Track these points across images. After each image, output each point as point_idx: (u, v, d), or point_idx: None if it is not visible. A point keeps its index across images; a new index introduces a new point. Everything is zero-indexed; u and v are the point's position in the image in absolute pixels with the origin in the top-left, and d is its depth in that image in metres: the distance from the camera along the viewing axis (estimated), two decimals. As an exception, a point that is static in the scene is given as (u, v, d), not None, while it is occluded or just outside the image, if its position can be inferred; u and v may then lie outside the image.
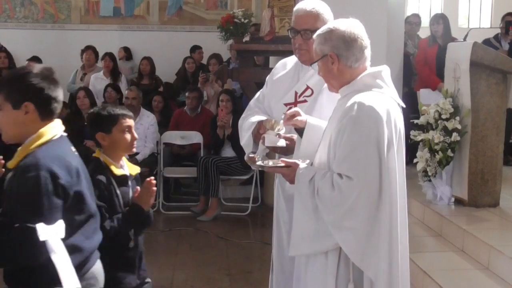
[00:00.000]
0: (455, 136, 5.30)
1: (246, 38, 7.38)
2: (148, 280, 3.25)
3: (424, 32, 8.37)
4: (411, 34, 8.07)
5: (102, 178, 3.00)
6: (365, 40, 2.74)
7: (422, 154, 5.51)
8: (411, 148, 6.01)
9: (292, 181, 2.80)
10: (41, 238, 2.34)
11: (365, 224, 2.58)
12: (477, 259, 4.55)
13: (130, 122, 3.13)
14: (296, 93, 3.39)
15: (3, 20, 10.89)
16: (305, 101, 3.36)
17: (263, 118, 3.41)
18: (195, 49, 10.22)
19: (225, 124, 7.32)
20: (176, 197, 8.09)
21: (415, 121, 5.63)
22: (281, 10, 6.95)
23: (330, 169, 2.67)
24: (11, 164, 2.61)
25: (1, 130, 2.71)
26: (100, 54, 9.38)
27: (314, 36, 2.83)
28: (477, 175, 5.37)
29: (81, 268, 2.56)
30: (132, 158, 7.48)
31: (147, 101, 8.48)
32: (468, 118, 5.34)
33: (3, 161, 2.88)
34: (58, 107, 2.66)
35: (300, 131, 3.10)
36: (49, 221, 2.38)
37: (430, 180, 5.55)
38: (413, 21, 8.21)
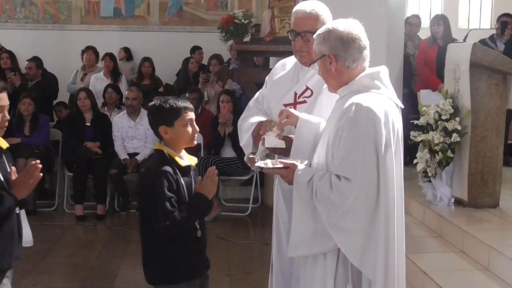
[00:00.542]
0: (455, 137, 5.31)
1: (247, 39, 7.39)
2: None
3: (424, 33, 8.37)
4: (411, 35, 8.07)
5: (168, 169, 3.00)
6: (364, 41, 2.74)
7: (422, 155, 5.52)
8: (411, 149, 6.01)
9: (290, 182, 2.81)
10: None
11: (363, 225, 2.59)
12: (477, 259, 4.55)
13: (191, 115, 3.11)
14: (295, 93, 3.39)
15: (3, 20, 10.90)
16: (304, 101, 3.36)
17: (262, 119, 3.42)
18: (195, 49, 10.22)
19: (226, 122, 7.32)
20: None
21: (415, 121, 5.63)
22: (281, 11, 6.95)
23: (329, 170, 2.68)
24: None
25: None
26: (101, 55, 9.38)
27: (314, 36, 2.83)
28: (477, 175, 5.38)
29: None
30: (133, 159, 7.50)
31: (147, 101, 8.48)
32: (468, 119, 5.34)
33: (40, 166, 2.93)
34: None
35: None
36: None
37: (430, 181, 5.55)
38: (413, 22, 8.22)
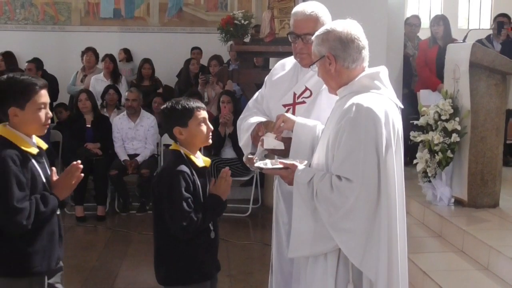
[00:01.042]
0: (454, 137, 5.31)
1: (247, 40, 7.40)
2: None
3: (423, 33, 8.38)
4: (411, 35, 8.08)
5: (185, 169, 3.00)
6: (363, 41, 2.75)
7: (422, 155, 5.52)
8: (411, 149, 6.02)
9: (290, 183, 2.81)
10: None
11: (364, 225, 2.59)
12: (477, 259, 4.56)
13: (204, 113, 3.11)
14: (294, 94, 3.39)
15: (3, 22, 10.90)
16: (303, 102, 3.36)
17: (262, 119, 3.42)
18: (192, 49, 10.24)
19: (227, 122, 7.33)
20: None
21: (415, 122, 5.64)
22: (281, 12, 6.96)
23: (329, 170, 2.68)
24: None
25: None
26: (101, 56, 9.38)
27: (312, 37, 2.84)
28: (476, 175, 5.38)
29: None
30: (133, 160, 7.51)
31: (147, 102, 8.49)
32: (468, 119, 5.35)
33: (81, 166, 2.98)
34: None
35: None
36: None
37: (430, 181, 5.56)
38: (413, 23, 8.23)
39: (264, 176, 7.49)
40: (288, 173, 2.81)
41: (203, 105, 3.16)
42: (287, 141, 3.19)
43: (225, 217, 7.20)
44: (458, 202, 5.51)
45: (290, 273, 3.36)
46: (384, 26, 6.41)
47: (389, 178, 2.62)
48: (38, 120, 2.90)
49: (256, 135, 3.30)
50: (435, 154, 5.40)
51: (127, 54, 10.52)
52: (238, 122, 3.59)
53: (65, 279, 4.53)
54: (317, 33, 2.80)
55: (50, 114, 3.00)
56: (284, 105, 3.39)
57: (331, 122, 2.75)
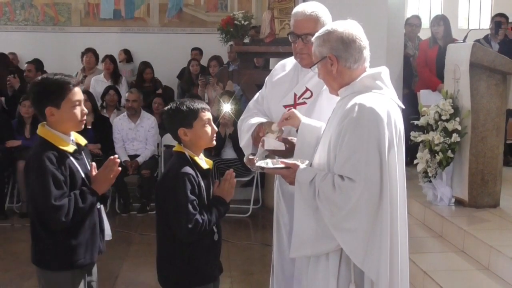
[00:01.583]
0: (455, 137, 5.31)
1: (246, 40, 7.40)
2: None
3: (423, 33, 8.38)
4: (411, 35, 8.08)
5: (190, 171, 2.99)
6: (364, 41, 2.75)
7: (422, 155, 5.52)
8: (412, 149, 6.02)
9: (292, 183, 2.81)
10: None
11: (366, 225, 2.59)
12: (478, 259, 4.56)
13: (209, 115, 3.10)
14: (295, 95, 3.39)
15: (3, 23, 10.91)
16: (304, 103, 3.36)
17: (262, 120, 3.41)
18: (192, 50, 10.23)
19: (227, 122, 7.33)
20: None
21: (415, 122, 5.64)
22: (281, 12, 6.96)
23: (331, 170, 2.68)
24: None
25: None
26: (101, 57, 9.39)
27: (313, 38, 2.83)
28: (477, 175, 5.38)
29: None
30: (134, 161, 7.51)
31: (147, 103, 8.49)
32: (468, 119, 5.35)
33: (118, 160, 3.07)
34: None
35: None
36: None
37: (430, 181, 5.55)
38: (414, 23, 8.22)
39: (264, 177, 7.49)
40: (289, 172, 2.81)
41: (208, 106, 3.14)
42: (288, 142, 3.19)
43: (226, 218, 7.12)
44: (458, 202, 5.51)
45: (291, 274, 3.36)
46: (384, 26, 6.41)
47: (392, 178, 2.63)
48: (74, 117, 2.97)
49: (257, 136, 3.30)
50: (436, 154, 5.40)
51: (127, 55, 10.53)
52: (239, 122, 3.59)
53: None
54: (317, 34, 2.79)
55: (86, 110, 3.07)
56: (285, 106, 3.38)
57: (333, 122, 2.75)
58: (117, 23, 11.01)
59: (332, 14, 3.33)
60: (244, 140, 3.46)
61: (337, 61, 2.71)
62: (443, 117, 5.38)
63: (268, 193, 7.41)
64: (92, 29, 10.93)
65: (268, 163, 2.91)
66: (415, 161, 5.61)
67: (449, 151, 5.36)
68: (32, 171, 2.87)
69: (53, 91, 2.91)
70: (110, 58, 9.22)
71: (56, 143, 2.93)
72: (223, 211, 3.12)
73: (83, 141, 3.12)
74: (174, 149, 3.14)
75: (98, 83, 8.94)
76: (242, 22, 7.27)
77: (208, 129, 3.08)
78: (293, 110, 3.21)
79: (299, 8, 3.34)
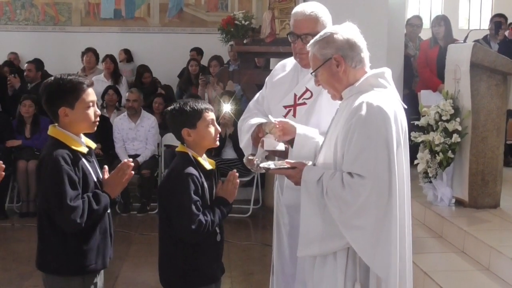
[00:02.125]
0: (455, 138, 5.31)
1: (246, 41, 7.40)
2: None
3: (424, 33, 8.38)
4: (412, 36, 8.07)
5: (194, 171, 2.98)
6: (363, 42, 2.77)
7: (423, 156, 5.52)
8: (412, 150, 6.00)
9: (297, 182, 2.80)
10: None
11: (376, 222, 2.60)
12: (478, 260, 4.55)
13: (212, 115, 3.09)
14: (295, 95, 3.38)
15: (3, 22, 10.91)
16: (304, 103, 3.35)
17: (262, 120, 3.40)
18: (191, 51, 10.23)
19: (227, 122, 7.33)
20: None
21: (416, 122, 5.63)
22: (282, 12, 6.96)
23: (338, 169, 2.69)
24: None
25: None
26: (101, 56, 9.40)
27: (311, 43, 2.82)
28: (477, 176, 5.37)
29: None
30: (134, 160, 7.51)
31: (148, 103, 8.49)
32: (469, 119, 5.34)
33: (132, 164, 3.01)
34: None
35: (291, 140, 3.11)
36: None
37: (430, 182, 5.55)
38: (415, 23, 8.21)
39: (264, 177, 7.49)
40: (295, 172, 2.81)
41: (211, 107, 3.13)
42: (288, 143, 3.18)
43: (226, 218, 7.20)
44: (459, 203, 5.51)
45: (291, 274, 3.36)
46: (384, 26, 6.40)
47: (399, 175, 2.65)
48: (87, 118, 2.94)
49: (257, 136, 3.29)
50: (436, 155, 5.40)
51: (128, 55, 10.53)
52: (239, 123, 3.58)
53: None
54: (317, 38, 2.79)
55: (99, 111, 3.05)
56: (285, 106, 3.38)
57: (338, 121, 2.75)
58: (117, 22, 11.01)
59: (332, 14, 3.33)
60: (244, 140, 3.45)
61: (344, 61, 2.71)
62: (444, 118, 5.38)
63: (268, 193, 7.41)
64: (92, 29, 10.93)
65: (270, 165, 2.90)
66: (415, 162, 5.60)
67: (450, 151, 5.35)
68: (46, 171, 2.83)
69: (67, 92, 2.88)
70: (110, 57, 9.23)
71: (69, 144, 2.89)
72: (226, 211, 3.10)
73: (92, 144, 3.09)
74: (177, 149, 3.13)
75: (99, 83, 8.90)
76: (243, 22, 7.27)
77: (212, 129, 3.08)
78: (286, 121, 3.18)
79: (298, 8, 3.33)
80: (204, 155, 3.15)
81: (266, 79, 3.62)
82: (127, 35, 10.92)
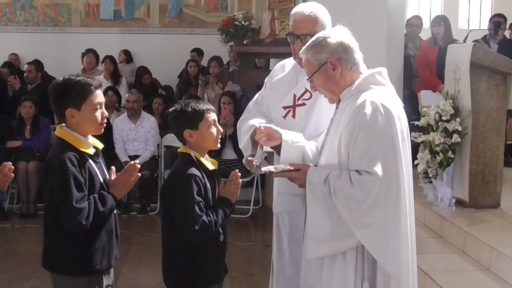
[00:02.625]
0: (455, 138, 5.30)
1: (246, 41, 7.40)
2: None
3: (424, 33, 8.38)
4: (412, 36, 8.07)
5: (197, 172, 2.97)
6: (355, 44, 2.78)
7: (423, 156, 5.51)
8: (412, 150, 6.00)
9: (302, 185, 2.80)
10: None
11: (386, 219, 2.61)
12: (478, 260, 4.55)
13: (214, 116, 3.09)
14: (294, 96, 3.38)
15: (3, 23, 10.90)
16: (303, 104, 3.35)
17: (261, 121, 3.40)
18: (191, 51, 10.23)
19: (227, 122, 7.33)
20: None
21: (416, 122, 5.63)
22: (281, 13, 6.96)
23: (343, 169, 2.69)
24: None
25: None
26: (101, 57, 9.40)
27: (304, 49, 2.81)
28: (477, 176, 5.37)
29: None
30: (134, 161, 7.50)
31: (148, 103, 8.49)
32: (469, 119, 5.34)
33: (138, 166, 3.01)
34: None
35: (277, 147, 3.10)
36: None
37: (431, 182, 5.55)
38: (415, 23, 8.21)
39: (264, 178, 7.49)
40: (299, 174, 2.81)
41: (212, 107, 3.12)
42: (273, 149, 3.18)
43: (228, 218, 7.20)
44: (459, 203, 5.51)
45: (291, 275, 3.36)
46: (384, 26, 6.39)
47: (405, 171, 2.67)
48: (94, 120, 2.94)
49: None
50: (436, 155, 5.39)
51: (127, 56, 10.53)
52: (238, 123, 3.58)
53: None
54: (310, 44, 2.79)
55: (106, 113, 3.04)
56: (284, 107, 3.38)
57: (340, 122, 2.76)
58: (117, 23, 11.01)
59: (332, 14, 3.32)
60: (243, 141, 3.45)
61: (339, 64, 2.72)
62: (444, 118, 5.37)
63: (268, 193, 7.40)
64: (92, 30, 10.93)
65: (272, 168, 2.89)
66: (416, 162, 5.60)
67: (450, 151, 5.35)
68: (52, 172, 2.84)
69: (75, 93, 2.88)
70: (110, 58, 9.23)
71: (76, 145, 2.89)
72: (228, 212, 3.09)
73: (100, 144, 3.08)
74: (179, 150, 3.12)
75: (99, 83, 8.92)
76: (242, 22, 7.27)
77: (214, 130, 3.07)
78: (270, 126, 3.15)
79: (298, 9, 3.33)
80: (207, 155, 3.15)
81: (266, 79, 3.62)
82: (127, 36, 10.92)
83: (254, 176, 7.38)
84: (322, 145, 2.94)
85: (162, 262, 3.12)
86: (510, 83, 5.44)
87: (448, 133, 5.35)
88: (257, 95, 3.67)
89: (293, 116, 3.35)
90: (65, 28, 10.97)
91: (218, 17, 9.87)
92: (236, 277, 5.32)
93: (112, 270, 3.13)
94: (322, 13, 3.28)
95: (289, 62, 3.51)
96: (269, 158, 3.26)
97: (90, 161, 2.93)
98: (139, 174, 3.02)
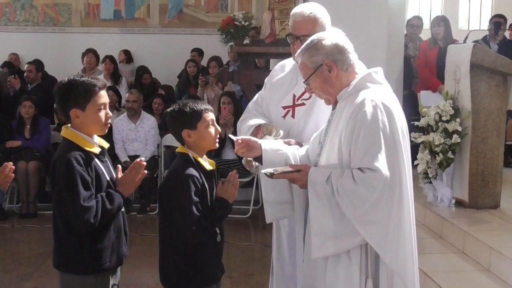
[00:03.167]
0: (455, 138, 5.30)
1: (247, 41, 7.40)
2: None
3: (424, 34, 8.38)
4: (412, 36, 8.06)
5: (194, 173, 2.98)
6: (350, 45, 2.79)
7: (423, 156, 5.51)
8: (412, 150, 6.00)
9: (303, 185, 2.81)
10: None
11: (390, 216, 2.63)
12: (478, 260, 4.55)
13: (212, 115, 3.09)
14: (294, 96, 3.38)
15: (3, 23, 10.91)
16: (303, 104, 3.35)
17: (261, 121, 3.41)
18: (191, 52, 10.23)
19: (227, 123, 7.33)
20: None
21: (416, 123, 5.63)
22: (282, 13, 6.96)
23: (344, 167, 2.70)
24: None
25: None
26: (101, 57, 9.39)
27: (299, 52, 2.82)
28: (477, 176, 5.37)
29: None
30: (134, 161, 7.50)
31: (147, 103, 8.48)
32: (469, 120, 5.34)
33: (144, 163, 3.03)
34: None
35: (259, 158, 3.09)
36: None
37: (430, 182, 5.55)
38: (415, 24, 8.20)
39: (264, 177, 7.47)
40: (301, 175, 2.81)
41: (210, 107, 3.13)
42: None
43: (226, 219, 7.19)
44: (459, 203, 5.51)
45: (291, 275, 3.36)
46: (384, 27, 6.39)
47: (406, 168, 2.69)
48: (98, 120, 2.98)
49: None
50: (436, 155, 5.39)
51: (127, 56, 10.53)
52: (238, 124, 3.59)
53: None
54: (305, 46, 2.80)
55: (110, 114, 3.09)
56: (284, 107, 3.38)
57: (339, 121, 2.76)
58: (117, 23, 11.01)
59: (332, 15, 3.32)
60: (243, 142, 3.44)
61: (335, 65, 2.73)
62: (444, 118, 5.37)
63: (268, 194, 7.38)
64: (92, 30, 10.93)
65: (272, 170, 2.89)
66: (415, 162, 5.60)
67: (450, 152, 5.35)
68: (59, 173, 2.86)
69: (79, 93, 2.91)
70: (110, 58, 9.23)
71: (81, 145, 2.92)
72: (226, 212, 3.09)
73: (105, 144, 3.12)
74: (177, 150, 3.12)
75: (98, 83, 8.92)
76: (243, 22, 7.27)
77: (212, 130, 3.07)
78: (249, 137, 3.14)
79: (297, 9, 3.33)
80: (205, 156, 3.15)
81: (265, 79, 3.62)
82: (127, 36, 10.92)
83: (253, 176, 7.38)
84: (321, 146, 2.93)
85: (159, 262, 3.12)
86: (510, 84, 5.45)
87: (448, 134, 5.35)
88: (257, 95, 3.67)
89: (293, 116, 3.35)
90: (65, 28, 10.98)
91: (218, 17, 9.88)
92: (236, 277, 5.32)
93: (119, 269, 3.13)
94: (321, 13, 3.28)
95: (289, 62, 3.51)
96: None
97: (96, 160, 2.96)
98: (146, 171, 3.03)
